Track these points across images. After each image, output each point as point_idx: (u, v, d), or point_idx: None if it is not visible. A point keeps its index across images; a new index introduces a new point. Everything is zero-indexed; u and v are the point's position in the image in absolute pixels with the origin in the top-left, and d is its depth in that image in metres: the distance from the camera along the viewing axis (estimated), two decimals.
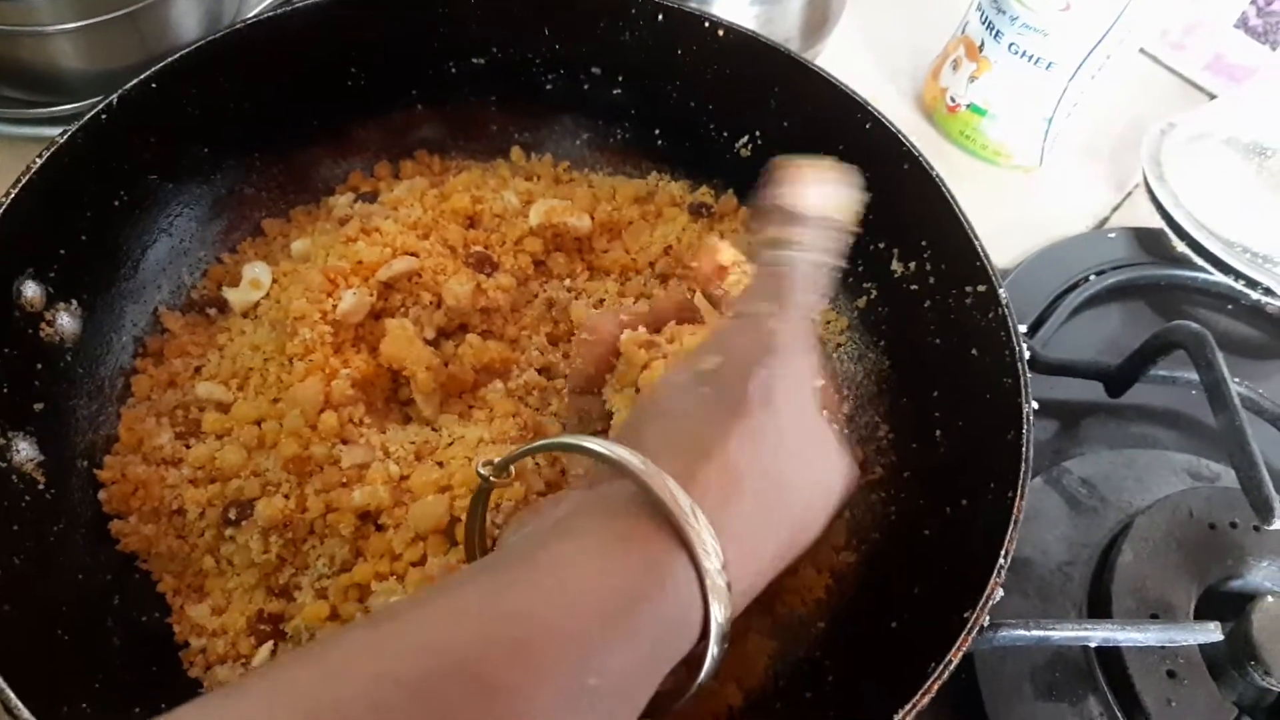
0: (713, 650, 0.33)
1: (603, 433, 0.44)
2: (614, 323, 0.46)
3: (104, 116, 0.48)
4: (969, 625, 0.38)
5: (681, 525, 0.31)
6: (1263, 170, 0.71)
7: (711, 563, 0.31)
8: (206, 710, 0.27)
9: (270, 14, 0.54)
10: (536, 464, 0.47)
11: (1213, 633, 0.45)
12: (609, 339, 0.46)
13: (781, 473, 0.36)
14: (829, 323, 0.57)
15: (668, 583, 0.31)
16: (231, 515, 0.46)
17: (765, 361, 0.37)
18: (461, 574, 0.32)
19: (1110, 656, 0.48)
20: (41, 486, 0.44)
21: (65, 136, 0.46)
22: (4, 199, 0.44)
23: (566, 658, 0.28)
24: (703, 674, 0.33)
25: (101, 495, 0.47)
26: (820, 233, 0.41)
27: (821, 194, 0.42)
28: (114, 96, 0.48)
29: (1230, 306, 0.68)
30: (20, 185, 0.45)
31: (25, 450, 0.44)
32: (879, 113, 0.53)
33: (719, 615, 0.32)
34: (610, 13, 0.57)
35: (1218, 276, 0.66)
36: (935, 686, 0.37)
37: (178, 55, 0.51)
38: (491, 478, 0.38)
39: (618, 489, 0.33)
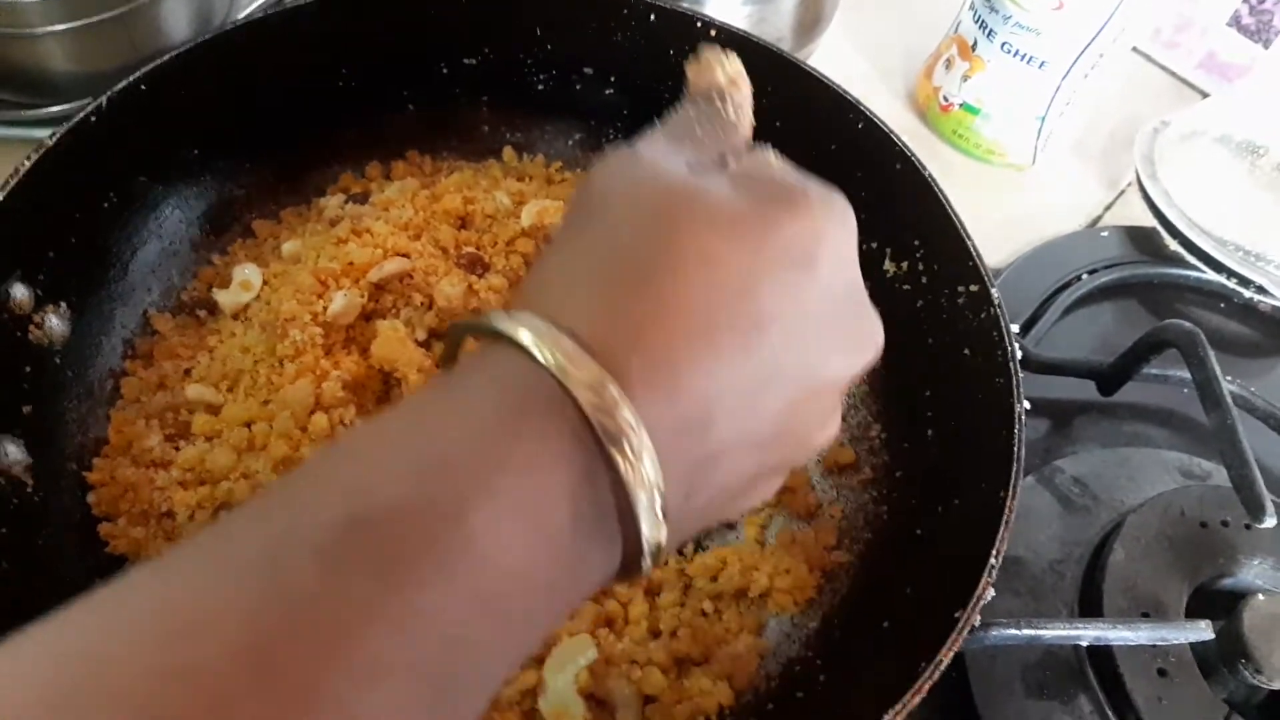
0: (646, 564, 0.26)
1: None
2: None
3: (93, 118, 0.48)
4: (960, 625, 0.38)
5: (602, 431, 0.24)
6: (1255, 169, 0.71)
7: (642, 471, 0.24)
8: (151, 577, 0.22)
9: (260, 15, 0.54)
10: None
11: (1204, 631, 0.45)
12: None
13: (806, 330, 0.27)
14: None
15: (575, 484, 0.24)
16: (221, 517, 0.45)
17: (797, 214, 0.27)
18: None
19: (1101, 655, 0.48)
20: (30, 489, 0.44)
21: (54, 138, 0.46)
22: None
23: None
24: (644, 565, 0.26)
25: (91, 498, 0.47)
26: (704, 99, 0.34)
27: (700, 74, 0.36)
28: (103, 98, 0.48)
29: (1223, 305, 0.68)
30: (8, 188, 0.44)
31: (14, 453, 0.44)
32: (871, 112, 0.53)
33: (650, 534, 0.25)
34: (602, 13, 0.57)
35: (1211, 275, 0.66)
36: (926, 686, 0.37)
37: (167, 57, 0.50)
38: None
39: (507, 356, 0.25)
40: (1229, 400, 0.50)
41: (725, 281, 0.26)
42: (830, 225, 0.28)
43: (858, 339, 0.30)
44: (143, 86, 0.50)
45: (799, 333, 0.27)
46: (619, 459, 0.24)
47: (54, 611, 0.21)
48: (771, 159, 0.30)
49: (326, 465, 0.25)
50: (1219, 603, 0.50)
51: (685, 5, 0.57)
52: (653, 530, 0.25)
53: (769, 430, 0.27)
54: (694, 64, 0.36)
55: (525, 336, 0.25)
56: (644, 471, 0.24)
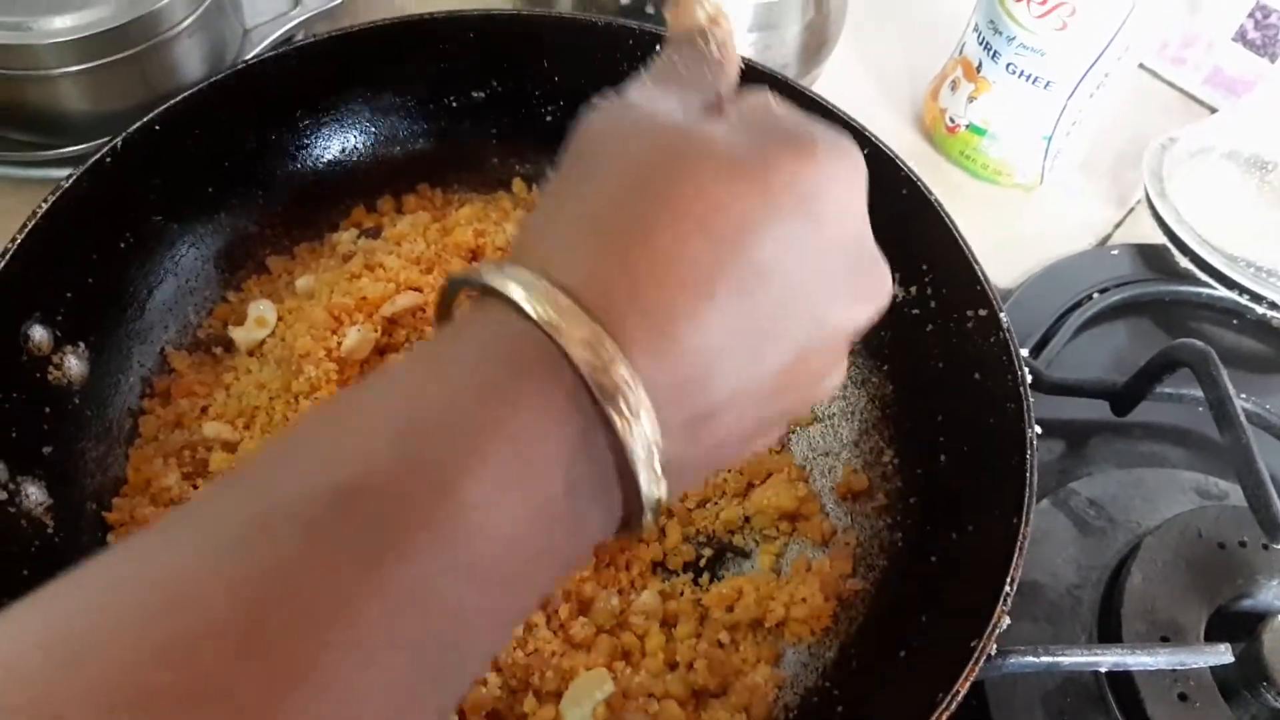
0: (646, 519, 0.26)
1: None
2: None
3: (109, 159, 0.49)
4: (976, 654, 0.38)
5: (598, 388, 0.23)
6: (1265, 184, 0.71)
7: (638, 429, 0.24)
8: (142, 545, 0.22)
9: (271, 53, 0.55)
10: None
11: (1223, 654, 0.45)
12: None
13: (807, 277, 0.26)
14: None
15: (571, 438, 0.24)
16: None
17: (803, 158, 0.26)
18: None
19: (1121, 680, 0.48)
20: (50, 530, 0.45)
21: (70, 180, 0.47)
22: (10, 244, 0.44)
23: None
24: (644, 520, 0.26)
25: (110, 538, 0.47)
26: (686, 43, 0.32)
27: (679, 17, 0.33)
28: (118, 139, 0.49)
29: (1236, 321, 0.68)
30: (26, 230, 0.45)
31: (34, 494, 0.45)
32: (876, 138, 0.53)
33: (651, 490, 0.25)
34: (608, 44, 0.57)
35: (1222, 292, 0.66)
36: (944, 717, 0.37)
37: (181, 96, 0.51)
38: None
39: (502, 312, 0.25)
40: (1243, 419, 0.50)
41: (725, 230, 0.25)
42: (838, 170, 0.27)
43: (864, 289, 0.28)
44: (157, 126, 0.50)
45: (802, 283, 0.26)
46: (615, 417, 0.23)
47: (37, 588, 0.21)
48: (772, 101, 0.29)
49: (311, 432, 0.24)
50: (1239, 625, 0.50)
51: None
52: (651, 487, 0.25)
53: (771, 383, 0.26)
54: (672, 6, 0.34)
55: (516, 291, 0.24)
56: (642, 429, 0.24)
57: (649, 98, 0.28)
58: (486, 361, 0.24)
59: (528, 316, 0.24)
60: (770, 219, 0.25)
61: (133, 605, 0.20)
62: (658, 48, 0.33)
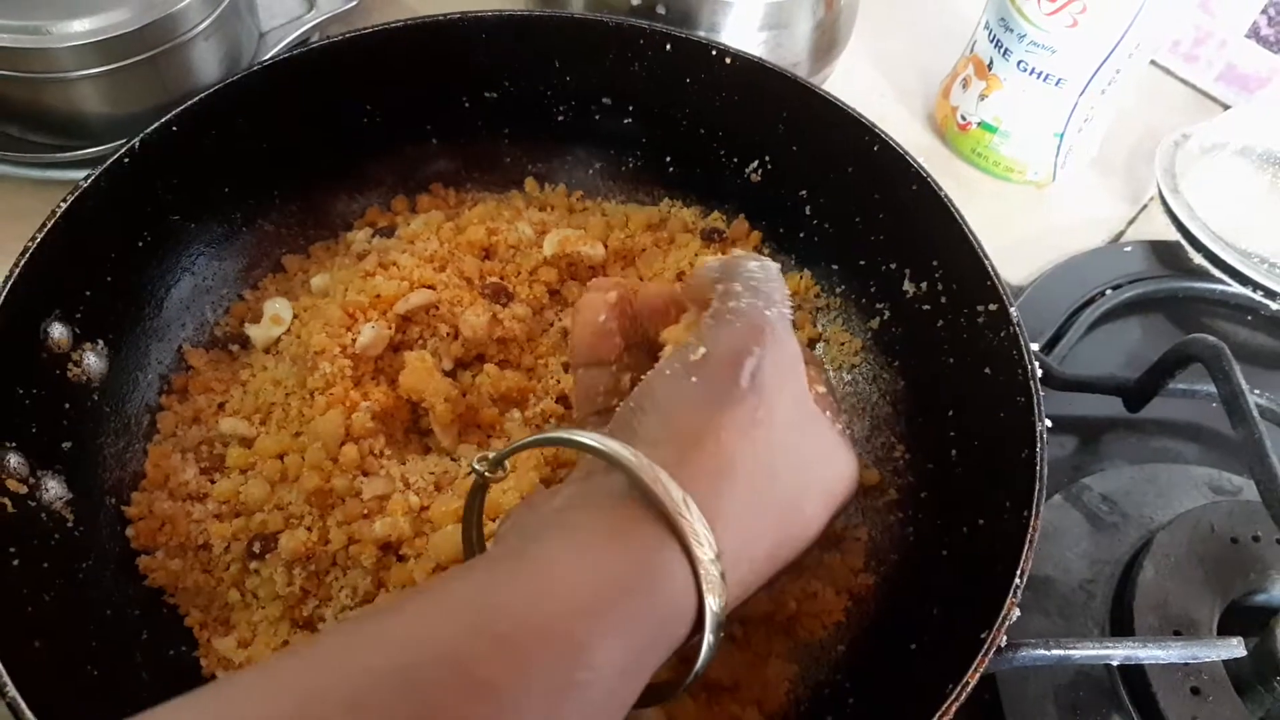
0: (708, 639, 0.32)
1: (609, 411, 0.42)
2: (605, 290, 0.44)
3: (126, 160, 0.49)
4: (985, 646, 0.38)
5: (673, 516, 0.31)
6: (1277, 180, 0.70)
7: (705, 553, 0.32)
8: (196, 702, 0.27)
9: (287, 55, 0.56)
10: (541, 457, 0.48)
11: (1236, 648, 0.45)
12: (602, 307, 0.44)
13: (775, 460, 0.36)
14: (843, 344, 0.57)
15: (659, 575, 0.31)
16: (256, 549, 0.46)
17: (752, 349, 0.37)
18: (452, 572, 0.33)
19: (1134, 674, 0.48)
20: (70, 524, 0.45)
21: (89, 180, 0.48)
22: (30, 244, 0.45)
23: (553, 652, 0.28)
24: (699, 664, 0.33)
25: (129, 531, 0.48)
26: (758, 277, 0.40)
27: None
28: (136, 140, 0.50)
29: (1249, 317, 0.68)
30: (46, 229, 0.46)
31: (54, 489, 0.45)
32: (887, 135, 0.53)
33: (714, 605, 0.32)
34: (619, 44, 0.58)
35: (1236, 288, 0.66)
36: (953, 708, 0.37)
37: (198, 98, 0.52)
38: (486, 473, 0.38)
39: (610, 482, 0.34)
40: (1256, 415, 0.50)
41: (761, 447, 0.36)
42: (774, 404, 0.37)
43: (833, 464, 0.40)
44: (174, 127, 0.51)
45: (772, 461, 0.37)
46: (692, 544, 0.32)
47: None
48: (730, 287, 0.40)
49: (434, 616, 0.29)
50: (1251, 619, 0.50)
51: (701, 34, 0.58)
52: (708, 658, 0.33)
53: (782, 524, 0.38)
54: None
55: (651, 483, 0.32)
56: (717, 601, 0.32)
57: (676, 372, 0.37)
58: (600, 535, 0.32)
59: (655, 501, 0.32)
60: (753, 430, 0.36)
61: None
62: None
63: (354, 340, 0.50)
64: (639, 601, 0.30)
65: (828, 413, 0.41)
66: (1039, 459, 0.43)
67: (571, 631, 0.29)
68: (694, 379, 0.36)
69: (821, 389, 0.42)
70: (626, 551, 0.31)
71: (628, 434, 0.35)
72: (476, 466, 0.38)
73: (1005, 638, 0.38)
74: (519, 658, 0.28)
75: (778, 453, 0.36)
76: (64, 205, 0.47)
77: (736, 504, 0.34)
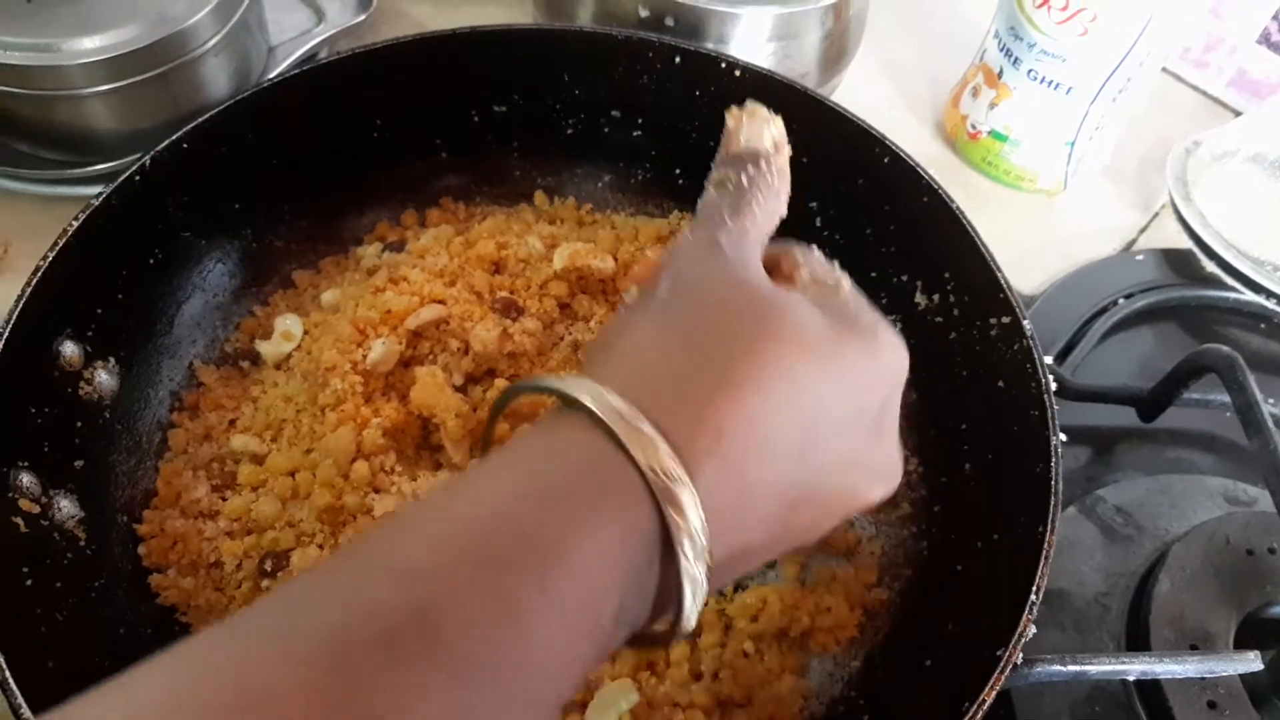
0: (691, 598, 0.27)
1: None
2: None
3: (138, 177, 0.49)
4: (1002, 663, 0.38)
5: (660, 487, 0.26)
6: None
7: (692, 561, 0.26)
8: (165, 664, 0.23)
9: (296, 70, 0.56)
10: None
11: (1253, 662, 0.44)
12: None
13: (806, 430, 0.29)
14: None
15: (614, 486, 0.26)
16: (268, 566, 0.46)
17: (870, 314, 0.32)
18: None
19: (1150, 689, 0.48)
20: (83, 543, 0.45)
21: (100, 199, 0.48)
22: (42, 262, 0.45)
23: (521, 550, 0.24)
24: (683, 626, 0.28)
25: (141, 549, 0.48)
26: (753, 164, 0.36)
27: (748, 133, 0.38)
28: (147, 157, 0.50)
29: (1263, 326, 0.68)
30: (58, 247, 0.46)
31: (66, 508, 0.45)
32: (897, 146, 0.53)
33: (692, 605, 0.27)
34: (628, 57, 0.58)
35: (1249, 296, 0.66)
36: None
37: (208, 115, 0.52)
38: None
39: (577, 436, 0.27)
40: (1271, 424, 0.49)
41: (800, 401, 0.28)
42: (893, 369, 0.31)
43: (886, 473, 0.33)
44: (185, 144, 0.51)
45: (845, 461, 0.30)
46: (682, 559, 0.26)
47: (115, 675, 0.22)
48: (845, 284, 0.33)
49: (390, 539, 0.26)
50: (1268, 632, 0.49)
51: (710, 46, 0.58)
52: (690, 618, 0.27)
53: (791, 536, 0.30)
54: (736, 115, 0.38)
55: (599, 410, 0.26)
56: (694, 571, 0.26)
57: (739, 249, 0.32)
58: (555, 475, 0.26)
59: (611, 446, 0.26)
60: (838, 401, 0.29)
61: (209, 699, 0.21)
62: (721, 160, 0.37)
63: (364, 356, 0.50)
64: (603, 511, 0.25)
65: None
66: (1054, 473, 0.43)
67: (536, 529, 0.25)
68: (624, 307, 0.32)
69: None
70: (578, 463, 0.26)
71: (611, 358, 0.29)
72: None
73: (1021, 654, 0.38)
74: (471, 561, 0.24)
75: (857, 453, 0.30)
76: (75, 224, 0.47)
77: (764, 494, 0.28)
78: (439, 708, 0.22)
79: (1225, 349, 0.52)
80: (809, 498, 0.30)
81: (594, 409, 0.26)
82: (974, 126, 0.72)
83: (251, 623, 0.24)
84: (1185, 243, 0.68)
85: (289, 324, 0.55)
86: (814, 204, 0.58)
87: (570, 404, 0.27)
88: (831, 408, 0.29)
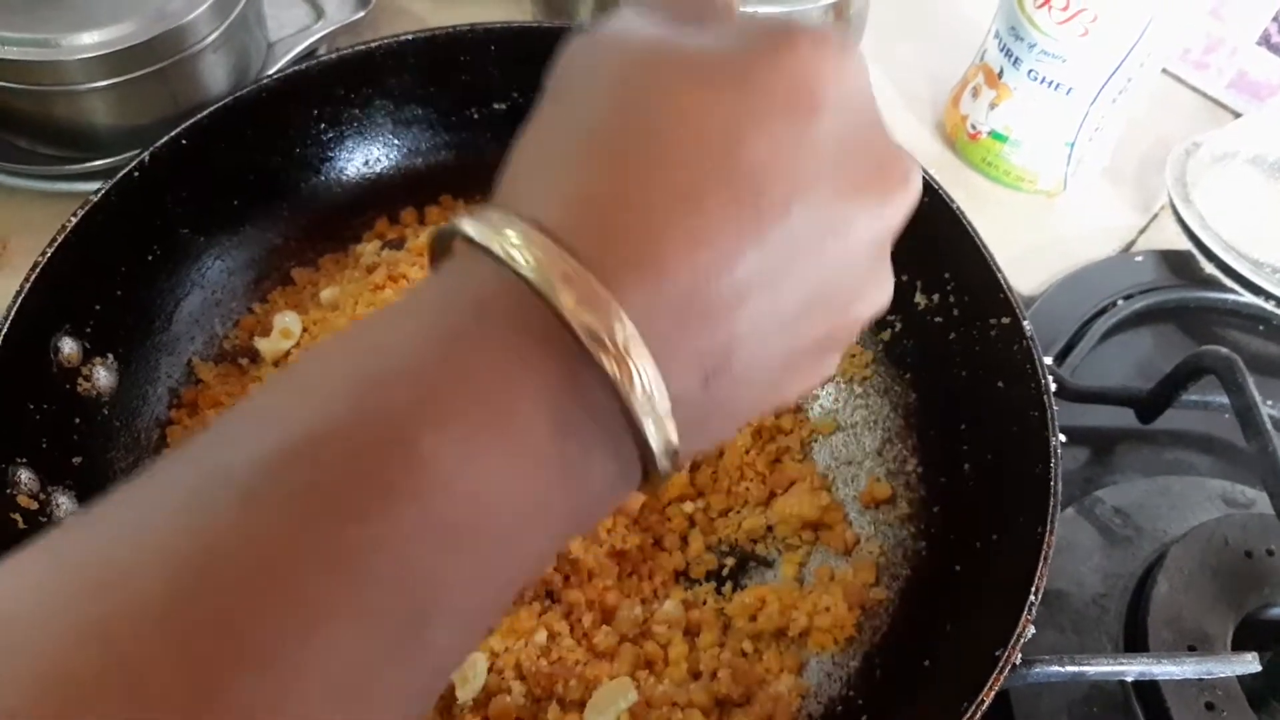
0: (662, 466, 0.23)
1: None
2: None
3: (136, 173, 0.49)
4: (1000, 664, 0.38)
5: (580, 328, 0.21)
6: None
7: (633, 377, 0.21)
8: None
9: (296, 67, 0.56)
10: None
11: (1251, 663, 0.44)
12: None
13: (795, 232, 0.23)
14: (854, 356, 0.57)
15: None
16: None
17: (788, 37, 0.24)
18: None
19: (1148, 690, 0.48)
20: None
21: (99, 194, 0.48)
22: (40, 258, 0.45)
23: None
24: (657, 472, 0.24)
25: None
26: None
27: None
28: (145, 153, 0.50)
29: (1261, 327, 0.68)
30: (56, 244, 0.46)
31: (65, 505, 0.45)
32: None
33: (658, 435, 0.22)
34: None
35: (1248, 297, 0.66)
36: None
37: (207, 111, 0.52)
38: None
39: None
40: (1269, 426, 0.49)
41: (709, 138, 0.22)
42: (827, 57, 0.24)
43: (883, 181, 0.25)
44: (184, 140, 0.51)
45: (808, 186, 0.23)
46: (601, 357, 0.21)
47: None
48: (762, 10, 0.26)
49: (265, 394, 0.23)
50: (1266, 633, 0.49)
51: None
52: (658, 430, 0.22)
53: (794, 302, 0.24)
54: None
55: (481, 231, 0.22)
56: (634, 367, 0.21)
57: (627, 20, 0.25)
58: (451, 309, 0.22)
59: (497, 258, 0.22)
60: (760, 119, 0.23)
61: (64, 584, 0.19)
62: None
63: None
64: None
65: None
66: (1053, 474, 0.43)
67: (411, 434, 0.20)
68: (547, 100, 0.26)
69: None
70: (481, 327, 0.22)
71: (507, 185, 0.25)
72: None
73: (1020, 654, 0.38)
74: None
75: (819, 172, 0.23)
76: (74, 220, 0.47)
77: (708, 255, 0.22)
78: (321, 553, 0.19)
79: (1224, 351, 0.52)
80: (785, 241, 0.23)
81: (475, 237, 0.22)
82: (974, 127, 0.72)
83: (116, 499, 0.21)
84: (1185, 244, 0.68)
85: (288, 321, 0.55)
86: None
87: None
88: (758, 128, 0.23)
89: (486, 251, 0.22)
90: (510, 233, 0.22)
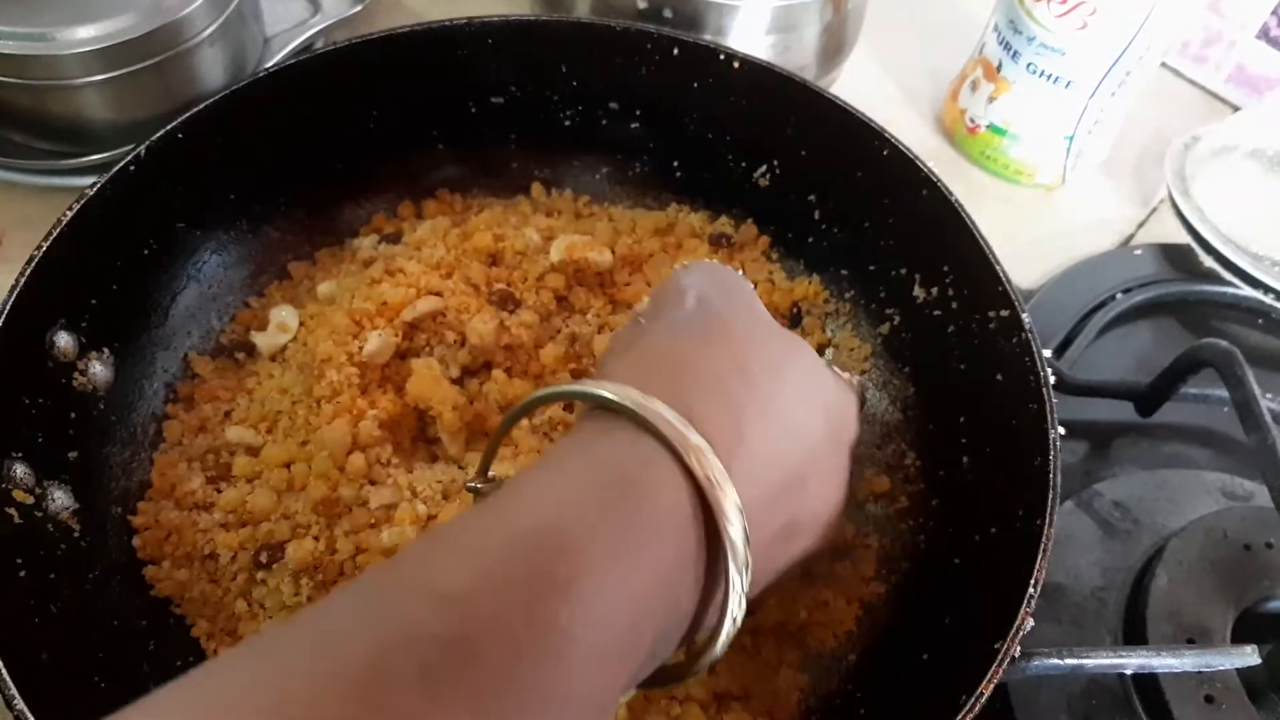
0: (733, 615, 0.28)
1: None
2: None
3: (132, 168, 0.49)
4: (1000, 657, 0.38)
5: (702, 478, 0.27)
6: None
7: (736, 531, 0.27)
8: (185, 690, 0.24)
9: (292, 61, 0.55)
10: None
11: (1250, 656, 0.44)
12: None
13: (750, 363, 0.33)
14: (852, 350, 0.57)
15: (647, 482, 0.27)
16: (263, 558, 0.46)
17: (686, 281, 0.36)
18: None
19: (1147, 683, 0.48)
20: (77, 535, 0.45)
21: (95, 189, 0.47)
22: (36, 252, 0.45)
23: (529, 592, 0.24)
24: (719, 647, 0.29)
25: (135, 541, 0.47)
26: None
27: None
28: (142, 148, 0.49)
29: (1261, 321, 0.68)
30: (51, 238, 0.46)
31: (61, 499, 0.45)
32: (896, 139, 0.53)
33: (738, 584, 0.28)
34: (626, 48, 0.57)
35: (1247, 291, 0.65)
36: (968, 719, 0.36)
37: (203, 105, 0.52)
38: (480, 487, 0.37)
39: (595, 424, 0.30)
40: (1269, 419, 0.49)
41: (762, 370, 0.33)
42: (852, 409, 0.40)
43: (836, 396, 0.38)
44: (180, 135, 0.51)
45: (807, 394, 0.36)
46: (731, 567, 0.27)
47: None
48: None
49: (432, 557, 0.25)
50: (1265, 626, 0.49)
51: (708, 38, 0.58)
52: (728, 633, 0.28)
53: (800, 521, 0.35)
54: None
55: (647, 414, 0.28)
56: (739, 580, 0.27)
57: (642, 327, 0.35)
58: (612, 494, 0.26)
59: (651, 430, 0.27)
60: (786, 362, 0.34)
61: (245, 703, 0.21)
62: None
63: (360, 348, 0.50)
64: (631, 518, 0.26)
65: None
66: (1052, 467, 0.43)
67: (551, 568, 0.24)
68: (641, 320, 0.36)
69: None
70: (606, 468, 0.27)
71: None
72: (472, 486, 0.37)
73: (1019, 648, 0.38)
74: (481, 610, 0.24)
75: (750, 357, 0.33)
76: (70, 214, 0.46)
77: (716, 409, 0.30)
78: None
79: (1223, 344, 0.52)
80: (771, 411, 0.32)
81: (643, 415, 0.27)
82: (973, 120, 0.72)
83: (290, 638, 0.23)
84: (1184, 238, 0.68)
85: (284, 315, 0.55)
86: (812, 196, 0.58)
87: (607, 408, 0.28)
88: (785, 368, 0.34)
89: (645, 429, 0.28)
90: (687, 434, 0.28)
